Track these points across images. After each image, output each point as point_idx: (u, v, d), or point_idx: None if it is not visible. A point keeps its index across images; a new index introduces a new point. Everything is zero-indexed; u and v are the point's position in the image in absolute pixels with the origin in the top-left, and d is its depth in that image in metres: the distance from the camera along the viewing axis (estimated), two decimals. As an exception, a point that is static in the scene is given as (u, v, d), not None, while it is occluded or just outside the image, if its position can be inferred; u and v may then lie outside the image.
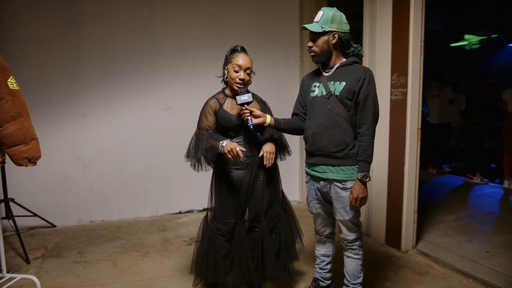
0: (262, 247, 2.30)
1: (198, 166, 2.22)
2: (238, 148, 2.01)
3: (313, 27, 2.02)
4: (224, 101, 2.26)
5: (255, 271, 2.29)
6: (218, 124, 2.25)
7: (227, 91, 2.30)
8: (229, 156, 2.02)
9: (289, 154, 2.45)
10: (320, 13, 2.03)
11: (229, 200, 2.26)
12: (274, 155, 2.19)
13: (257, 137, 2.27)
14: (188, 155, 2.25)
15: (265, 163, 2.17)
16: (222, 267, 2.28)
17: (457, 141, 7.01)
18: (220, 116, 2.22)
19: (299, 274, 2.78)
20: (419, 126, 3.08)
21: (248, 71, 2.20)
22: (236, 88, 2.17)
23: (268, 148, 2.18)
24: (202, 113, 2.27)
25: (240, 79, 2.17)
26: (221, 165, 2.25)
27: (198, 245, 2.41)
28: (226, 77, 2.26)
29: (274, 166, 2.39)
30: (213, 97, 2.30)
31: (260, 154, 2.18)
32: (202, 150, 2.14)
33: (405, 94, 3.04)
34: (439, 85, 5.86)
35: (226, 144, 2.04)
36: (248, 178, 2.26)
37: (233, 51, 2.26)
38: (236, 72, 2.17)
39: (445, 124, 6.01)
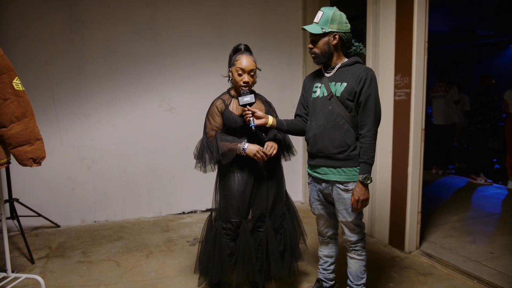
0: (267, 247, 2.30)
1: (205, 167, 2.24)
2: (262, 150, 2.10)
3: (312, 28, 2.01)
4: (230, 102, 2.26)
5: (260, 271, 2.30)
6: (224, 125, 2.25)
7: (233, 92, 2.30)
8: (256, 158, 2.12)
9: (294, 155, 2.45)
10: (319, 13, 2.02)
11: (233, 200, 2.27)
12: (275, 148, 2.19)
13: (261, 138, 2.27)
14: (198, 158, 2.26)
15: (266, 152, 2.14)
16: (228, 265, 2.29)
17: (460, 142, 6.99)
18: (225, 116, 2.22)
19: (302, 275, 2.78)
20: (423, 127, 3.07)
21: (252, 73, 2.20)
22: (241, 90, 2.17)
23: (269, 143, 2.19)
24: (209, 114, 2.27)
25: (244, 82, 2.17)
26: (226, 165, 2.25)
27: (202, 244, 2.41)
28: (231, 79, 2.27)
29: (279, 167, 2.39)
30: (218, 98, 2.30)
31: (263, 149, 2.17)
32: (217, 154, 2.15)
33: (408, 95, 3.03)
34: (445, 86, 5.84)
35: (249, 149, 2.11)
36: (253, 178, 2.27)
37: (236, 50, 2.26)
38: (240, 75, 2.18)
39: (450, 125, 5.99)
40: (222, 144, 2.14)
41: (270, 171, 2.32)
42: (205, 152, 2.24)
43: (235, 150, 2.12)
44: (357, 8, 3.90)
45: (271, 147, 2.16)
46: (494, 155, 6.63)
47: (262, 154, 2.11)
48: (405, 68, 3.03)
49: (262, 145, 2.26)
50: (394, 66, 3.13)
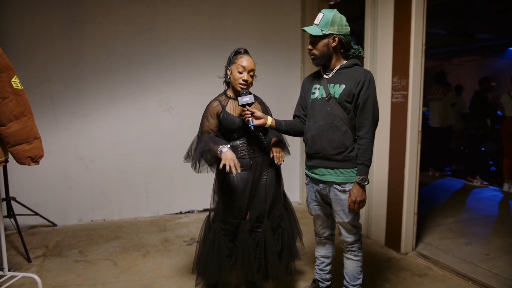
0: (265, 248, 2.31)
1: (198, 167, 2.24)
2: (235, 163, 2.01)
3: (313, 30, 2.02)
4: (227, 103, 2.26)
5: (258, 271, 2.31)
6: (222, 126, 2.25)
7: (229, 93, 2.31)
8: (223, 165, 2.01)
9: (289, 154, 2.46)
10: (320, 15, 2.03)
11: (232, 201, 2.28)
12: (283, 154, 2.26)
13: (260, 139, 2.28)
14: (188, 157, 2.27)
15: (276, 162, 2.23)
16: (227, 266, 2.30)
17: (457, 144, 7.02)
18: (223, 118, 2.23)
19: (299, 274, 2.79)
20: (420, 129, 3.09)
21: (251, 73, 2.21)
22: (239, 89, 2.18)
23: (277, 148, 2.24)
24: (204, 115, 2.28)
25: (243, 80, 2.18)
26: (224, 166, 2.25)
27: (200, 245, 2.42)
28: (229, 78, 2.27)
29: (277, 167, 2.40)
30: (215, 99, 2.30)
31: (272, 155, 2.23)
32: (198, 153, 2.15)
33: (406, 97, 3.05)
34: (443, 89, 5.88)
35: (225, 154, 2.04)
36: (252, 179, 2.27)
37: (237, 52, 2.27)
38: (240, 73, 2.18)
39: (447, 127, 6.03)
40: (207, 144, 2.13)
41: (269, 171, 2.33)
42: (192, 152, 2.25)
43: (215, 151, 2.08)
44: (355, 9, 3.92)
45: (280, 153, 2.22)
46: (491, 157, 6.67)
47: (233, 166, 2.01)
48: (403, 70, 3.05)
49: (261, 145, 2.28)
50: (392, 68, 3.15)
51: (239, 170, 2.04)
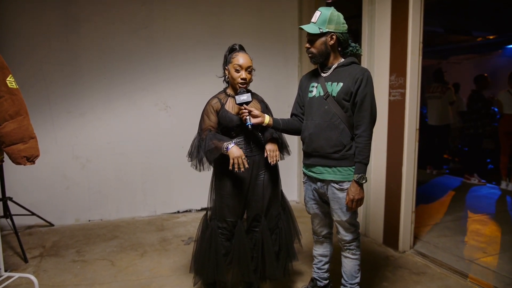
0: (262, 248, 2.30)
1: (200, 166, 2.23)
2: (242, 160, 2.03)
3: (310, 28, 2.01)
4: (226, 101, 2.26)
5: (255, 271, 2.30)
6: (220, 124, 2.25)
7: (229, 91, 2.30)
8: (232, 162, 2.03)
9: (288, 154, 2.45)
10: (317, 13, 2.02)
11: (229, 199, 2.27)
12: (277, 153, 2.21)
13: (257, 137, 2.27)
14: (191, 156, 2.26)
15: (269, 161, 2.19)
16: (223, 265, 2.29)
17: (455, 142, 7.04)
18: (221, 116, 2.22)
19: (297, 274, 2.78)
20: (417, 127, 3.09)
21: (249, 70, 2.20)
22: (239, 88, 2.17)
23: (270, 147, 2.20)
24: (204, 112, 2.27)
25: (242, 79, 2.17)
26: (221, 164, 2.25)
27: (198, 244, 2.41)
28: (227, 77, 2.26)
29: (275, 166, 2.39)
30: (214, 96, 2.30)
31: (265, 155, 2.20)
32: (204, 150, 2.14)
33: (403, 95, 3.04)
34: (442, 87, 5.88)
35: (232, 150, 2.05)
36: (249, 177, 2.27)
37: (232, 50, 2.26)
38: (238, 72, 2.18)
39: (445, 125, 6.03)
40: (211, 142, 2.14)
41: (266, 170, 2.32)
42: (194, 150, 2.24)
43: (220, 149, 2.09)
44: (352, 8, 3.91)
45: (273, 151, 2.18)
46: (488, 155, 6.69)
47: (241, 162, 2.04)
48: (400, 68, 3.04)
49: (259, 144, 2.27)
50: (389, 66, 3.15)
51: (246, 166, 2.06)
